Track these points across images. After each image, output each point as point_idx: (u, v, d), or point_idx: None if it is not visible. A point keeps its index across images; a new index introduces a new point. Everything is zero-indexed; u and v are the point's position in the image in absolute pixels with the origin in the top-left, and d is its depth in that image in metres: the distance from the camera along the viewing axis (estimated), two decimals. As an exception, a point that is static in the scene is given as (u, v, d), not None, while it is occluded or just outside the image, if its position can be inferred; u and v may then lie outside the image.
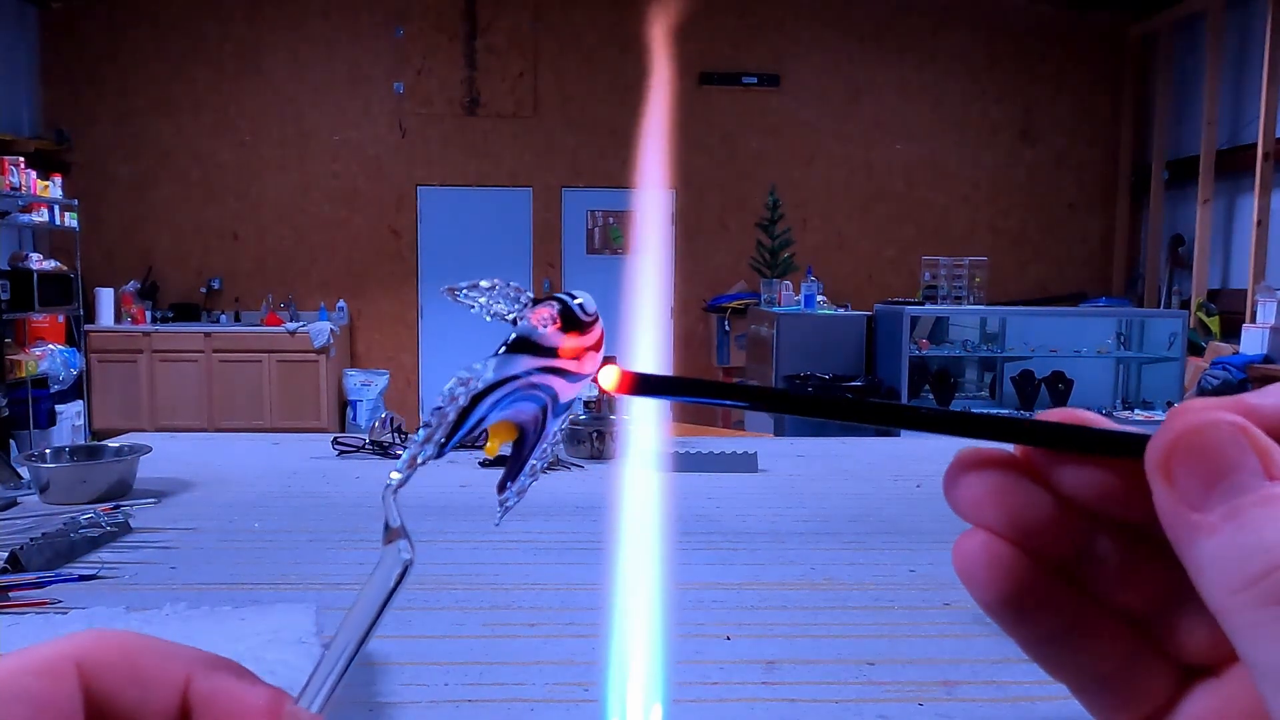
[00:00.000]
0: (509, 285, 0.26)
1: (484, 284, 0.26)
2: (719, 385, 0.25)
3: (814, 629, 0.88)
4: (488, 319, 0.26)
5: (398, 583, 0.23)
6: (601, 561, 0.27)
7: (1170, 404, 5.01)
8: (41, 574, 0.95)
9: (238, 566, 1.05)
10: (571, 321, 0.25)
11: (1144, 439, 0.21)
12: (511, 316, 0.25)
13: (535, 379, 0.25)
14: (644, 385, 0.25)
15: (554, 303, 0.25)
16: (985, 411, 0.24)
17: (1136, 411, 5.05)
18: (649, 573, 0.26)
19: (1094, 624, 0.23)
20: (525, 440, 0.27)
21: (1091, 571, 0.23)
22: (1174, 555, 0.20)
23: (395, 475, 0.24)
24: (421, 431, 0.24)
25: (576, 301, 0.26)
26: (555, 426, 0.27)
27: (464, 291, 0.26)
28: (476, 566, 1.05)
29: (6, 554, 0.97)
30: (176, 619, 0.73)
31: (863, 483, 1.53)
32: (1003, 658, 0.80)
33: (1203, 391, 5.42)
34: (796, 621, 0.89)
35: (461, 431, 0.24)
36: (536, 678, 0.76)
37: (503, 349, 0.25)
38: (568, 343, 0.25)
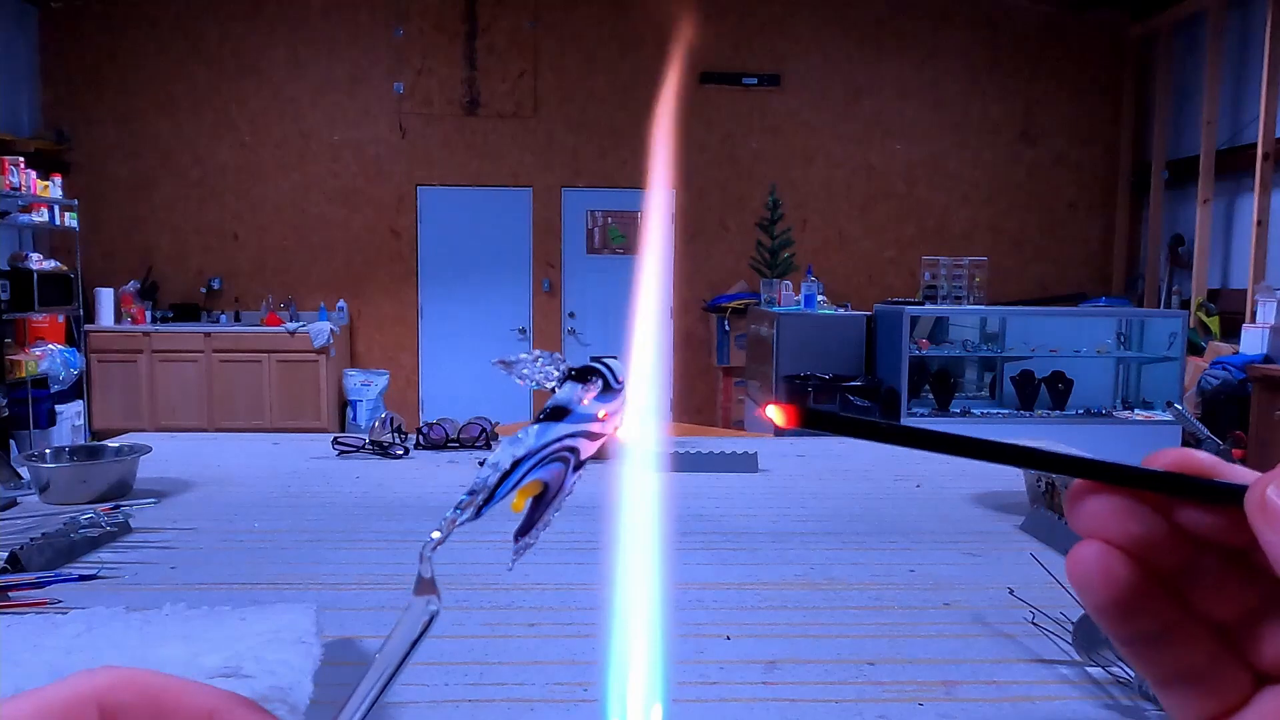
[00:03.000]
0: (551, 356, 0.29)
1: (525, 356, 0.29)
2: (882, 425, 0.26)
3: (814, 629, 0.88)
4: (532, 386, 0.29)
5: (423, 631, 0.24)
6: (601, 561, 0.27)
7: (1170, 404, 4.99)
8: (41, 574, 0.95)
9: (238, 566, 1.05)
10: (606, 387, 0.28)
11: (1242, 489, 0.24)
12: (551, 385, 0.28)
13: (567, 442, 0.28)
14: (812, 420, 0.26)
15: (595, 376, 0.28)
16: (1081, 455, 0.27)
17: (1136, 411, 5.05)
18: (649, 573, 0.26)
19: (1186, 629, 0.26)
20: (546, 494, 0.29)
21: (1190, 584, 0.26)
22: (1263, 576, 0.23)
23: (435, 535, 0.25)
24: (465, 496, 0.26)
25: (612, 372, 0.28)
26: (573, 481, 0.29)
27: (515, 367, 0.29)
28: (476, 566, 1.05)
29: (6, 554, 0.97)
30: (176, 619, 0.73)
31: (863, 483, 1.53)
32: (1002, 658, 0.80)
33: (1202, 391, 5.42)
34: (796, 621, 0.89)
35: (500, 494, 0.26)
36: (536, 678, 0.76)
37: (543, 416, 0.27)
38: (599, 408, 0.28)
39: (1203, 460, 0.25)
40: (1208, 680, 0.25)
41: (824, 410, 0.26)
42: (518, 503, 0.29)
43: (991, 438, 0.26)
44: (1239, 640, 0.25)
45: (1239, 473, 0.25)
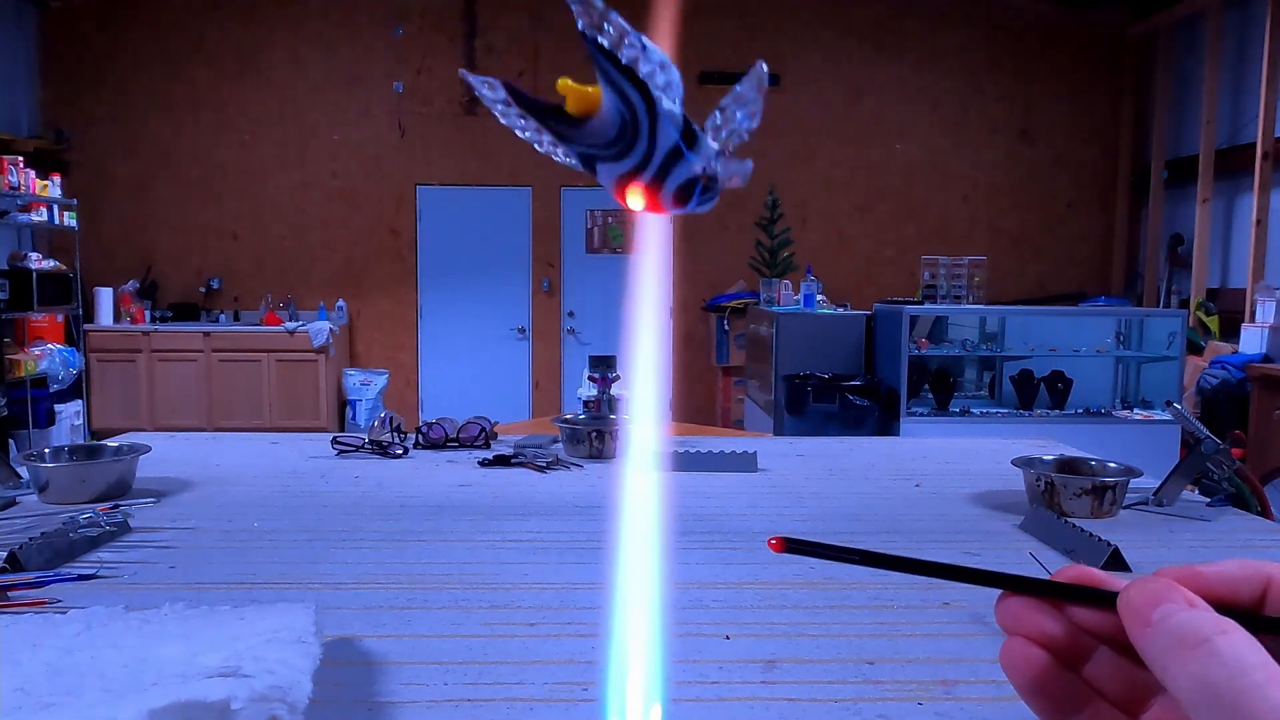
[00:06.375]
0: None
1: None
2: (863, 552, 0.34)
3: (814, 628, 0.88)
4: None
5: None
6: (601, 561, 0.27)
7: (1169, 403, 4.99)
8: (40, 573, 0.95)
9: (237, 566, 1.05)
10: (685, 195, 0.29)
11: (1114, 595, 0.31)
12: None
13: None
14: (796, 547, 0.33)
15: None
16: (1000, 573, 0.35)
17: (1135, 411, 5.05)
18: (648, 572, 0.26)
19: (1092, 704, 0.33)
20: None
21: (1093, 669, 0.33)
22: (1142, 662, 0.29)
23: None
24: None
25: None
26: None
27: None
28: (476, 566, 1.05)
29: (6, 553, 0.97)
30: (176, 618, 0.73)
31: (863, 483, 1.53)
32: (1002, 657, 0.80)
33: (1201, 390, 5.42)
34: (796, 621, 0.89)
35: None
36: (536, 677, 0.76)
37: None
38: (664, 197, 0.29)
39: (1097, 575, 0.33)
40: None
41: (808, 541, 0.33)
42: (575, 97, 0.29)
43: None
44: (1132, 712, 0.32)
45: (1122, 584, 0.31)
